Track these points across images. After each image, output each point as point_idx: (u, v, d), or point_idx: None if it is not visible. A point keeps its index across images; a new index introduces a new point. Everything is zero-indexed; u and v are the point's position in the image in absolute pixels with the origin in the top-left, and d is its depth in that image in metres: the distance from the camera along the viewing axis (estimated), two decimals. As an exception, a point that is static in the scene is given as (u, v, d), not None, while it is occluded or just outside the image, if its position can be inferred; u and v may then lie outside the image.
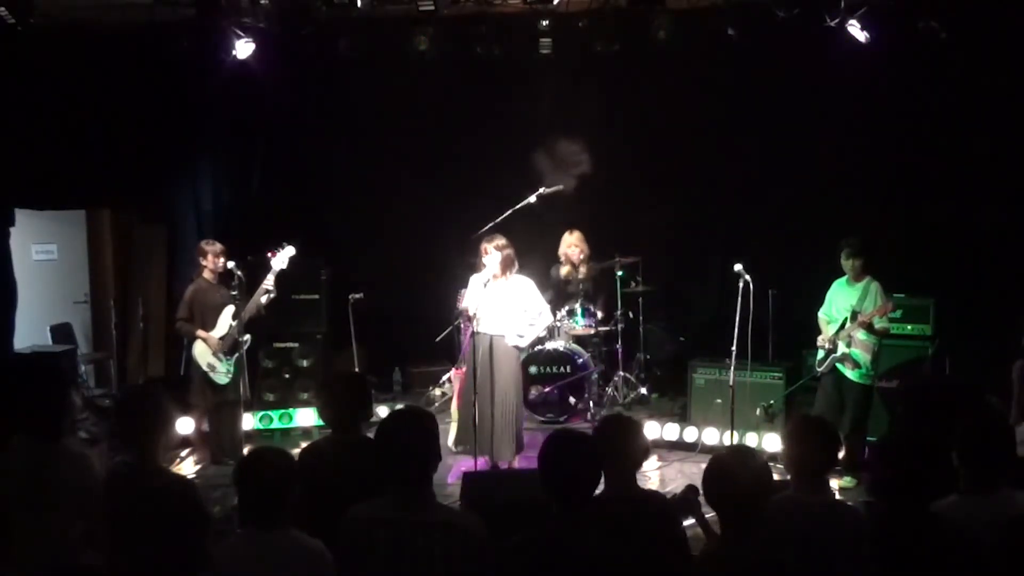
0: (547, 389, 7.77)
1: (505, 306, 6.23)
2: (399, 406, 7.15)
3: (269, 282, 6.77)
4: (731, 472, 2.87)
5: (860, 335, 6.21)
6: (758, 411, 6.81)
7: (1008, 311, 7.00)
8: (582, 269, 8.21)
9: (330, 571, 2.94)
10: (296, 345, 7.92)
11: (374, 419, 5.35)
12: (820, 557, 3.08)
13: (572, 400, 7.78)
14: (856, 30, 6.93)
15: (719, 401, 6.96)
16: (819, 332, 6.49)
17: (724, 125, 8.49)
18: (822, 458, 3.32)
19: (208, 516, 3.46)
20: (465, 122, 8.78)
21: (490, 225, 6.91)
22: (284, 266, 6.79)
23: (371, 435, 3.46)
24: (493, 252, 6.16)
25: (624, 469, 3.34)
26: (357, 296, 7.73)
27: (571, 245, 8.20)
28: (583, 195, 8.12)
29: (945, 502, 3.15)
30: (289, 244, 6.82)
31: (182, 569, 3.02)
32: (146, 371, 9.25)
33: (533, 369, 7.72)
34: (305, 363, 7.92)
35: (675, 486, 6.03)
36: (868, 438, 6.26)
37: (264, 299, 6.79)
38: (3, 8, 6.66)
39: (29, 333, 8.31)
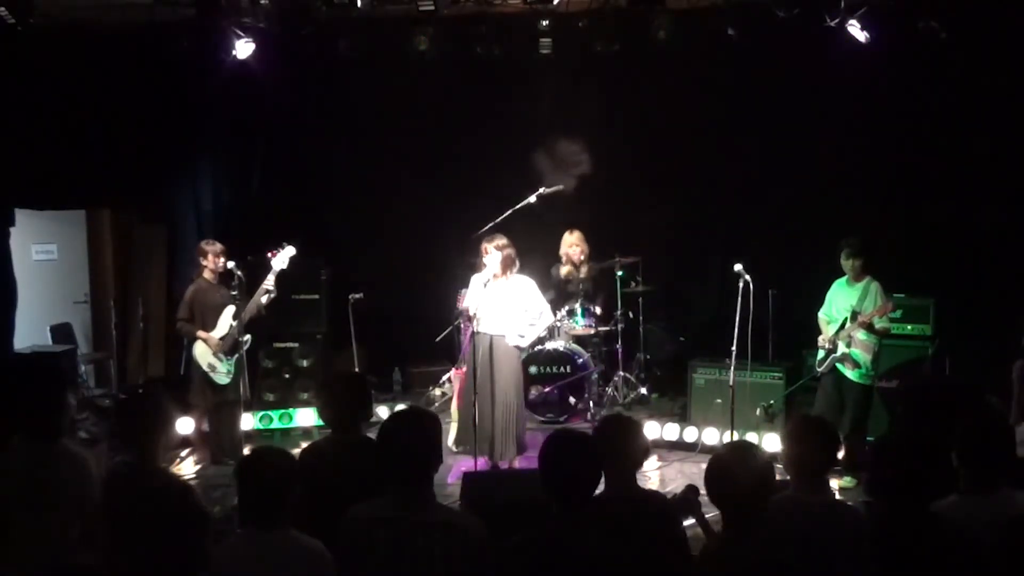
0: (547, 389, 7.77)
1: (506, 306, 6.23)
2: (399, 406, 7.18)
3: (270, 282, 6.77)
4: (731, 471, 2.87)
5: (860, 335, 6.21)
6: (758, 411, 6.82)
7: (1008, 311, 7.00)
8: (583, 269, 8.21)
9: (330, 571, 2.94)
10: (296, 345, 7.92)
11: (374, 419, 5.38)
12: (820, 557, 3.08)
13: (572, 400, 7.78)
14: (856, 30, 6.93)
15: (719, 401, 6.96)
16: (819, 332, 6.49)
17: (724, 125, 8.49)
18: (822, 458, 3.32)
19: (208, 516, 3.45)
20: (465, 122, 8.78)
21: (490, 225, 6.91)
22: (284, 266, 6.79)
23: (371, 435, 3.47)
24: (493, 252, 6.16)
25: (624, 469, 3.34)
26: (357, 296, 7.72)
27: (572, 245, 8.20)
28: (583, 195, 8.12)
29: (945, 502, 3.15)
30: (289, 244, 6.82)
31: (182, 569, 3.01)
32: (146, 371, 9.25)
33: (533, 369, 7.72)
34: (305, 363, 7.92)
35: (675, 486, 6.03)
36: (868, 438, 6.26)
37: (264, 299, 6.79)
38: (3, 8, 6.66)
39: (29, 333, 8.32)
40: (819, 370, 6.44)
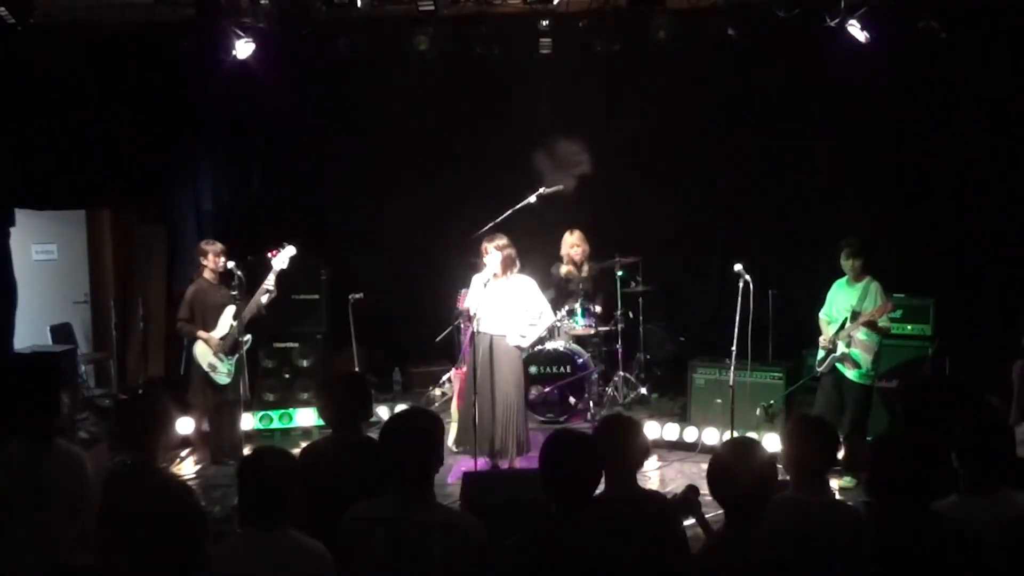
0: (547, 389, 7.77)
1: (506, 306, 6.23)
2: (399, 406, 7.20)
3: (270, 282, 6.76)
4: (731, 471, 2.87)
5: (860, 335, 6.21)
6: (758, 411, 6.81)
7: (1008, 311, 7.00)
8: (583, 268, 8.21)
9: (330, 572, 2.94)
10: (296, 345, 7.91)
11: (374, 419, 5.38)
12: (820, 557, 3.07)
13: (572, 400, 7.78)
14: (856, 30, 6.93)
15: (719, 401, 6.96)
16: (819, 332, 6.49)
17: (724, 125, 8.49)
18: (822, 458, 3.32)
19: (208, 516, 3.45)
20: (465, 122, 8.79)
21: (490, 225, 6.91)
22: (284, 266, 6.79)
23: (372, 435, 3.47)
24: (494, 252, 6.16)
25: (624, 469, 3.33)
26: (357, 296, 7.72)
27: (573, 246, 8.20)
28: (583, 195, 8.12)
29: (945, 502, 3.14)
30: (289, 244, 6.82)
31: (181, 569, 3.01)
32: (146, 371, 9.25)
33: (533, 369, 7.72)
34: (305, 363, 7.92)
35: (675, 486, 6.03)
36: (867, 438, 6.26)
37: (265, 299, 6.78)
38: (3, 8, 6.65)
39: (29, 333, 8.31)
40: (819, 370, 6.44)
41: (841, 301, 6.39)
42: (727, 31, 7.30)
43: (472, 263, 6.57)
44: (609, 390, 8.23)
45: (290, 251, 6.79)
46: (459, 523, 3.03)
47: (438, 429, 3.15)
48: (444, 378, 8.41)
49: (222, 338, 6.76)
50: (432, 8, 7.03)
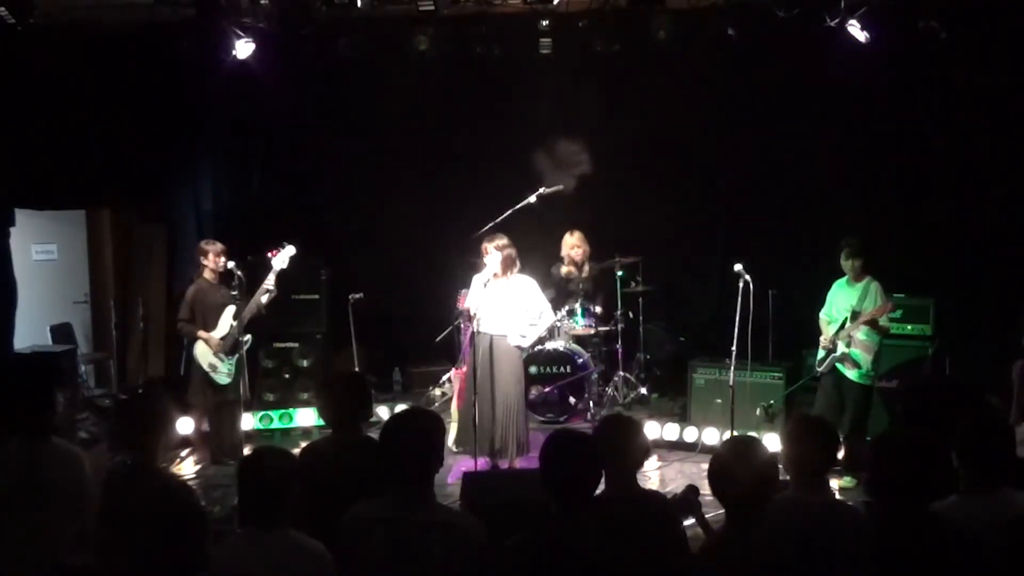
0: (547, 389, 7.77)
1: (506, 306, 6.23)
2: (399, 406, 7.19)
3: (270, 282, 6.76)
4: (732, 469, 2.87)
5: (860, 335, 6.21)
6: (758, 411, 6.81)
7: (1008, 311, 7.01)
8: (584, 268, 8.22)
9: (330, 572, 2.93)
10: (296, 345, 7.91)
11: (374, 419, 5.38)
12: (820, 557, 3.08)
13: (572, 400, 7.78)
14: (856, 30, 6.93)
15: (719, 401, 6.96)
16: (819, 332, 6.49)
17: (724, 125, 8.49)
18: (822, 458, 3.32)
19: (207, 516, 3.45)
20: (465, 122, 8.79)
21: (490, 225, 6.91)
22: (285, 266, 6.79)
23: (372, 435, 3.47)
24: (494, 252, 6.15)
25: (624, 469, 3.34)
26: (357, 296, 7.72)
27: (574, 247, 8.20)
28: (583, 195, 8.12)
29: (945, 502, 3.14)
30: (289, 244, 6.82)
31: (181, 570, 3.01)
32: (146, 371, 9.25)
33: (533, 369, 7.71)
34: (305, 363, 7.92)
35: (675, 486, 6.03)
36: (867, 438, 6.26)
37: (265, 299, 6.78)
38: (3, 8, 6.66)
39: (29, 333, 8.31)
40: (819, 370, 6.44)
41: (841, 301, 6.39)
42: (727, 31, 7.30)
43: (472, 263, 6.56)
44: (609, 390, 8.23)
45: (290, 251, 6.79)
46: (459, 523, 3.03)
47: (438, 429, 3.15)
48: (444, 378, 8.41)
49: (222, 338, 6.76)
50: (432, 8, 7.03)
